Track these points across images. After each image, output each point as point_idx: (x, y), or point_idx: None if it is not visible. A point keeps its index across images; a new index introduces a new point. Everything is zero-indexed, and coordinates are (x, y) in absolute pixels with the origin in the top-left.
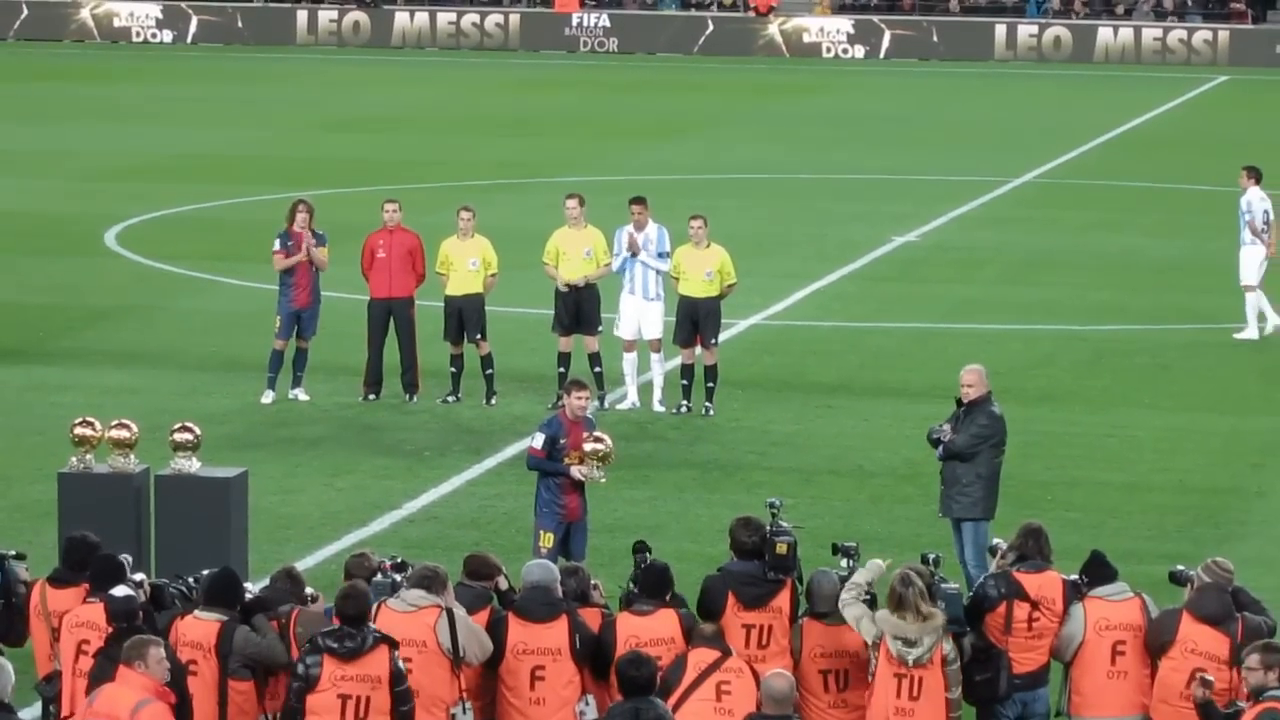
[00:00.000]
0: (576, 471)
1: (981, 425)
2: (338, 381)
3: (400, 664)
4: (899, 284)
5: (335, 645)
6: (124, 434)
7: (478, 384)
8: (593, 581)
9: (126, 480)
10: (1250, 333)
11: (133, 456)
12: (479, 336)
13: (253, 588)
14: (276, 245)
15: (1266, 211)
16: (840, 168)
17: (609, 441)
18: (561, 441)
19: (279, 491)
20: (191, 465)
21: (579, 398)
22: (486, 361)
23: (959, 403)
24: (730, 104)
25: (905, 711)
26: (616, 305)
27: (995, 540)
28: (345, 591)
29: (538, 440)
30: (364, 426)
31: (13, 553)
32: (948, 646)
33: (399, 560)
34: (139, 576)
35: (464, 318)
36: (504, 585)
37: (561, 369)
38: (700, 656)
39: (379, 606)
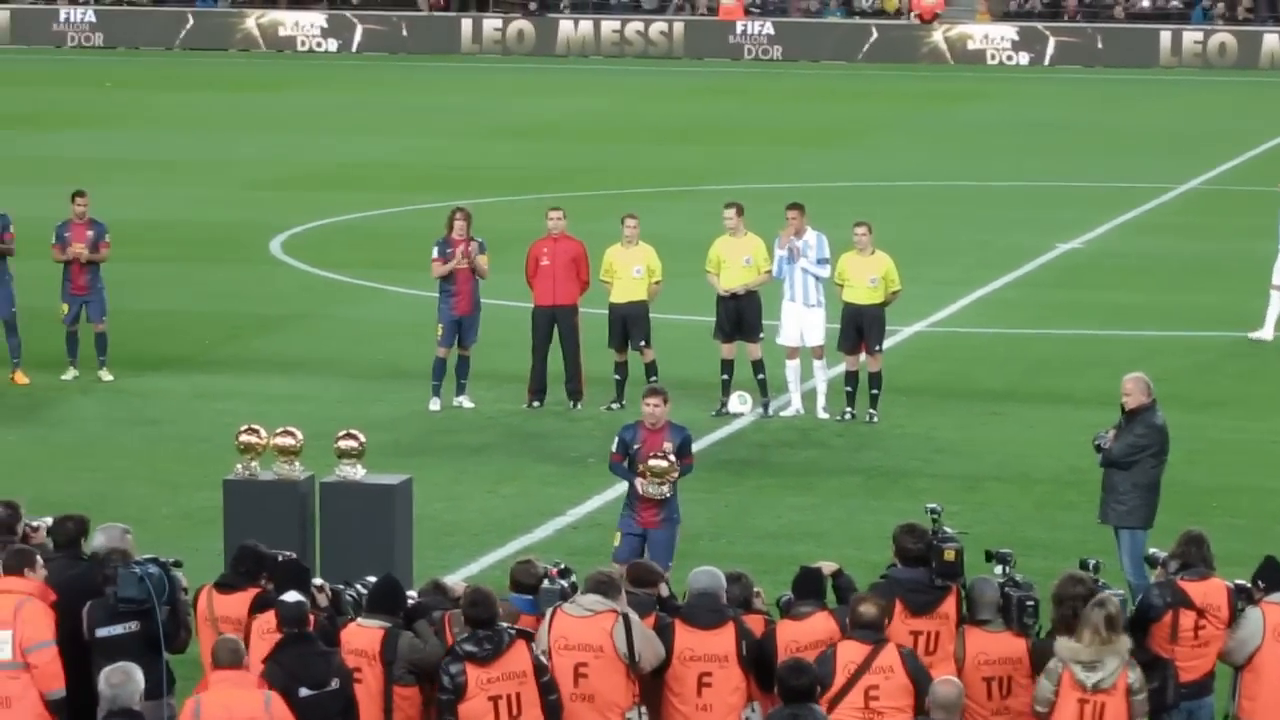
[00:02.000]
0: (638, 484)
1: (1139, 435)
2: (502, 389)
3: (540, 656)
4: (1063, 290)
5: (475, 650)
6: (289, 441)
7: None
8: (755, 589)
9: (291, 487)
10: (1266, 333)
11: (298, 463)
12: (643, 343)
13: (415, 595)
14: (435, 253)
15: None
16: (1004, 175)
17: (671, 459)
18: (635, 448)
19: (443, 499)
20: (356, 472)
21: (649, 404)
22: (651, 369)
23: (1123, 410)
24: (894, 111)
25: None
26: (778, 313)
27: (1153, 550)
28: (472, 598)
29: (615, 444)
30: (528, 434)
31: (172, 560)
32: (1133, 675)
33: (564, 566)
34: (319, 581)
35: (628, 325)
36: (665, 592)
37: (725, 376)
38: (850, 653)
39: (554, 612)
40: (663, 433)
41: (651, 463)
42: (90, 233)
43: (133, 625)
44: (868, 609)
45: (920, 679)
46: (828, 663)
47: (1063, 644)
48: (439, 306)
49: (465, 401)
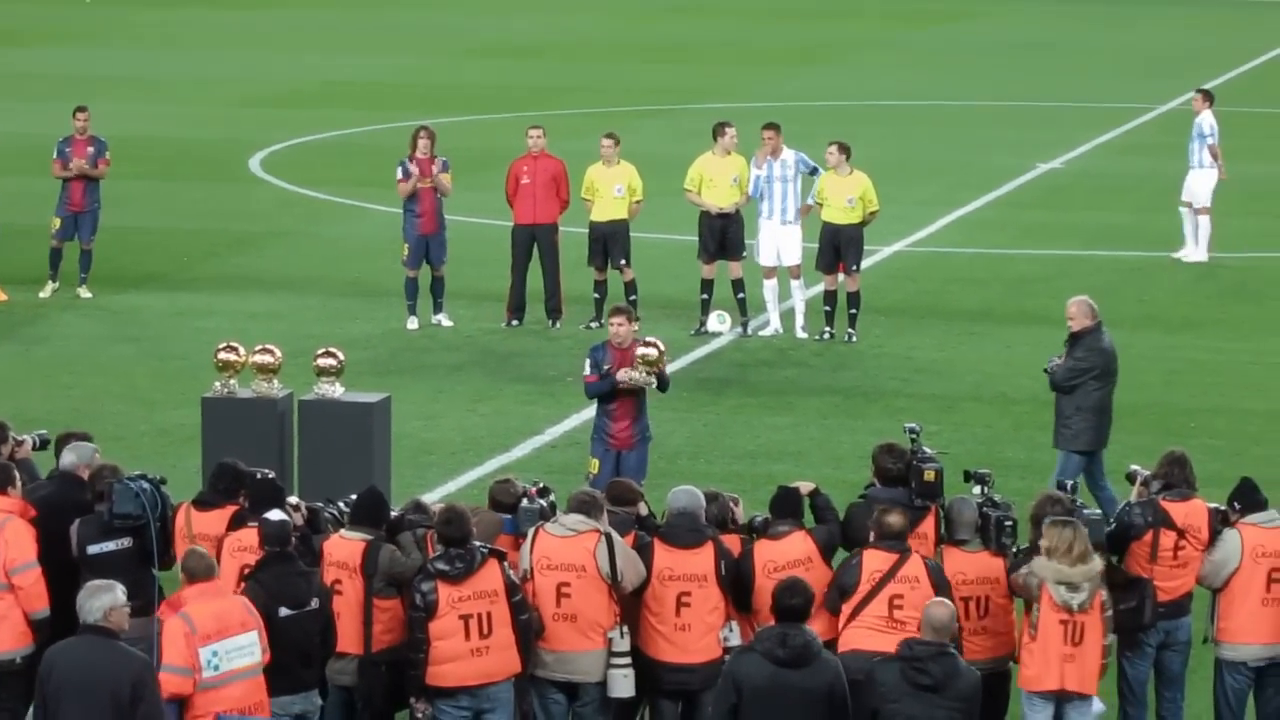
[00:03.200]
0: (622, 374)
1: (1079, 358)
2: (481, 308)
3: (512, 574)
4: (1043, 211)
5: (446, 568)
6: (268, 359)
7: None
8: (734, 497)
9: (270, 405)
10: (1199, 254)
11: (276, 382)
12: (623, 262)
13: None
14: (399, 173)
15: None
16: (986, 94)
17: (661, 346)
18: (605, 368)
19: (422, 417)
20: (335, 390)
21: (614, 324)
22: (630, 288)
23: (1069, 334)
24: (878, 30)
25: (1070, 658)
26: (756, 231)
27: (1134, 467)
28: (445, 516)
29: (586, 367)
30: (506, 352)
31: (158, 477)
32: (1105, 594)
33: (542, 485)
34: (294, 500)
35: (608, 244)
36: (644, 511)
37: (704, 295)
38: (876, 561)
39: (537, 532)
40: (631, 351)
41: (641, 351)
42: (90, 148)
43: (125, 541)
44: (894, 519)
45: (945, 591)
46: (853, 571)
47: (1044, 564)
48: (404, 226)
49: (444, 319)
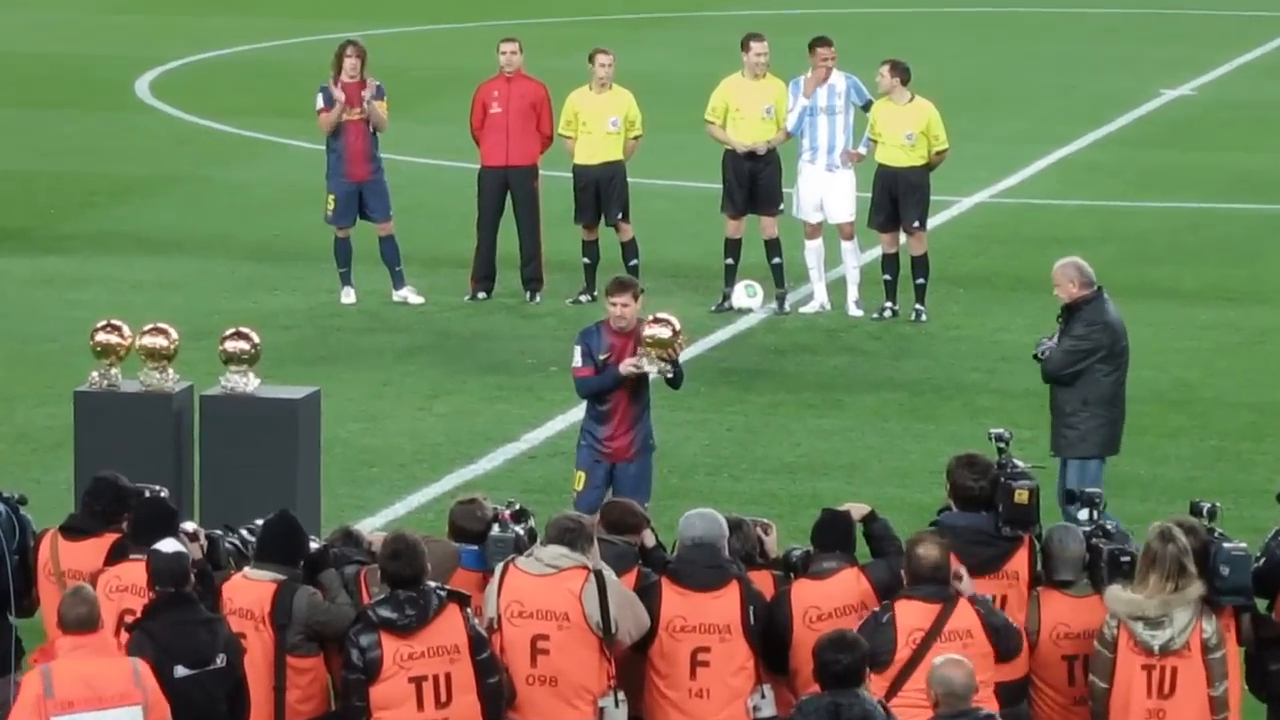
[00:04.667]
0: (627, 363)
1: (1078, 336)
2: (437, 276)
3: (478, 625)
4: (1168, 151)
5: (393, 616)
6: (160, 341)
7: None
8: (765, 522)
9: (163, 402)
10: None
11: (171, 371)
12: (620, 217)
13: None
14: (320, 102)
15: None
16: (1095, 0)
17: (676, 324)
18: (602, 357)
19: (361, 418)
20: (248, 383)
21: (616, 303)
22: (629, 250)
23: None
24: None
25: (1156, 714)
26: (795, 178)
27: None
28: (392, 548)
29: (576, 356)
30: (471, 334)
31: (16, 495)
32: (1209, 628)
33: (519, 507)
34: (191, 526)
35: (601, 193)
36: (650, 541)
37: (729, 260)
38: (913, 616)
39: (506, 567)
40: (632, 335)
41: (649, 330)
42: None
43: None
44: (928, 552)
45: (1006, 639)
46: (885, 631)
47: (1117, 595)
48: (328, 172)
49: (410, 295)
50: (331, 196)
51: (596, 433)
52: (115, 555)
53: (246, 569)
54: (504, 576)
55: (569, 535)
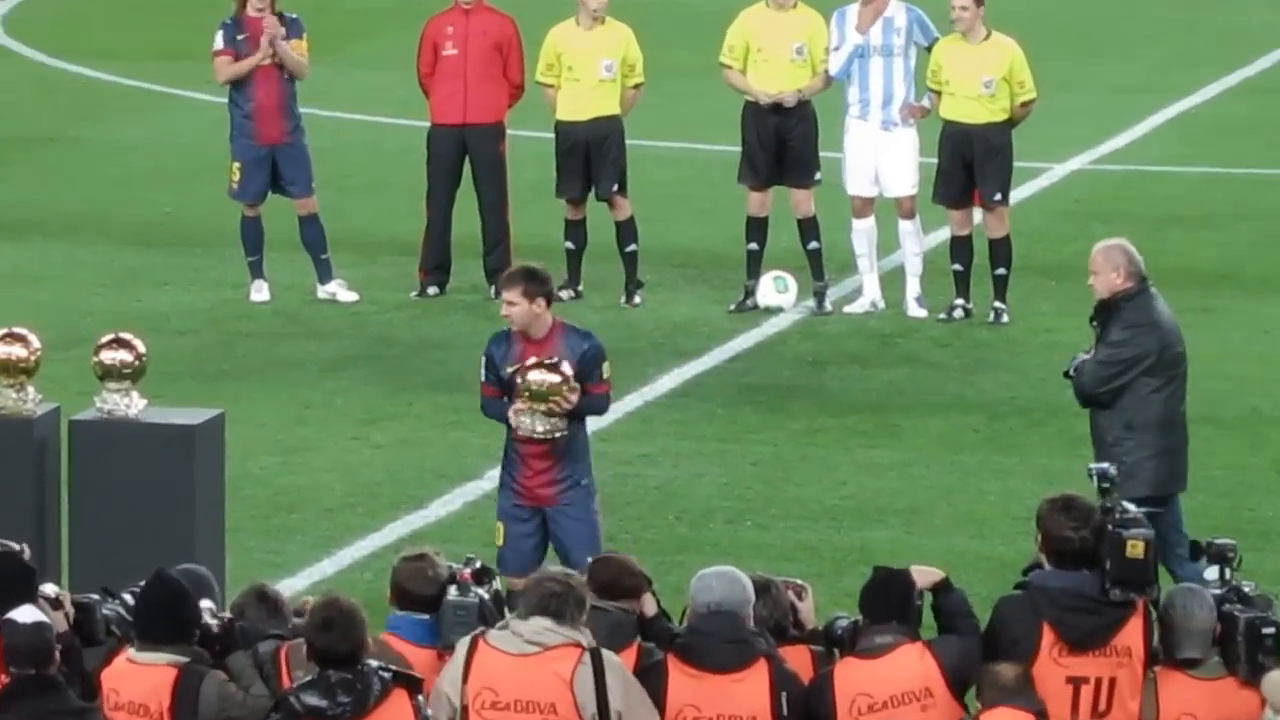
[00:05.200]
0: (511, 416)
1: (1115, 343)
2: (375, 266)
3: (428, 713)
4: None
5: (323, 704)
6: (16, 351)
7: (610, 269)
8: (799, 584)
9: (20, 429)
10: None
11: (30, 390)
12: (614, 190)
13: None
14: (219, 42)
15: None
16: None
17: (564, 370)
18: (509, 371)
19: (277, 450)
20: (130, 404)
21: (507, 300)
22: (625, 232)
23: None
24: None
25: None
26: (840, 140)
27: None
28: (321, 616)
29: (482, 369)
30: (420, 342)
31: None
32: None
33: (479, 564)
34: (52, 590)
35: (590, 158)
36: (651, 608)
37: (752, 244)
38: None
39: (474, 644)
40: (550, 343)
41: (531, 376)
42: None
43: None
44: (1006, 672)
45: None
46: None
47: (1273, 681)
48: (231, 133)
49: (339, 291)
50: (236, 164)
51: (512, 471)
52: None
53: (131, 651)
54: (471, 655)
55: (555, 603)
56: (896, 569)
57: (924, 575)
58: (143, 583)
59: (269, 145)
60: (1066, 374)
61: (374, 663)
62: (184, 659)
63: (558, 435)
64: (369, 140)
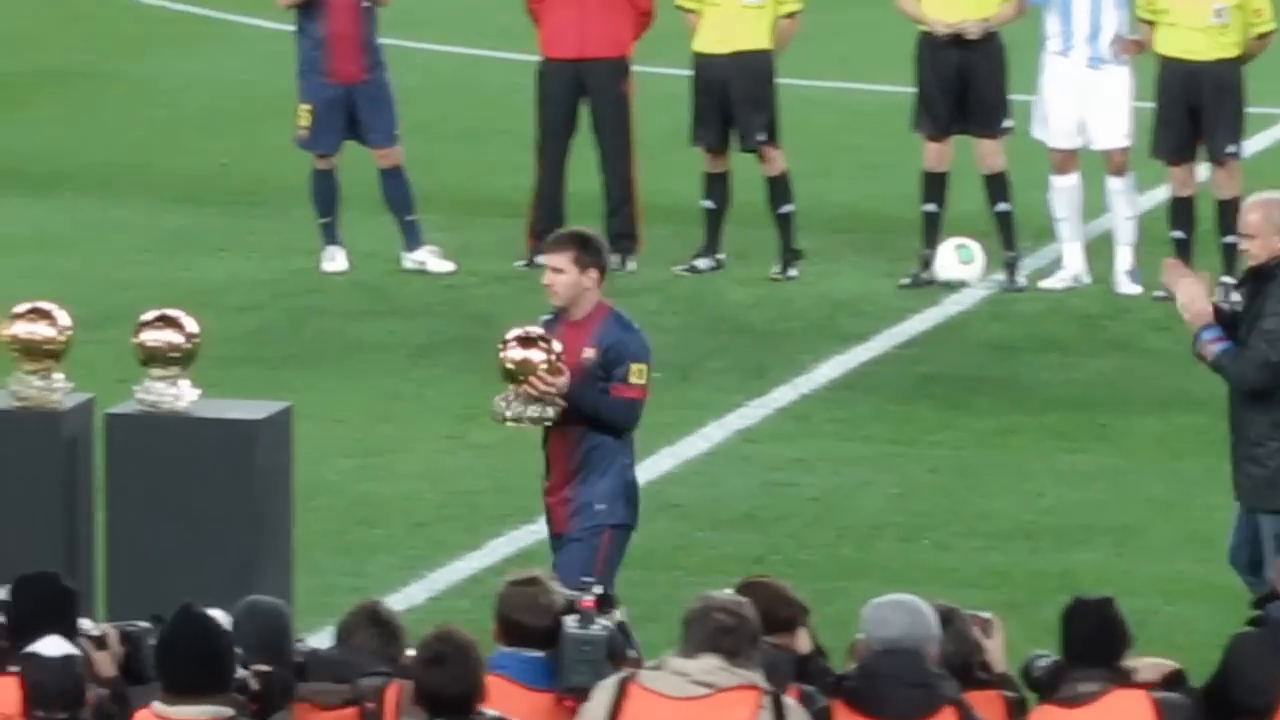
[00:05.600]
0: (497, 402)
1: (1277, 316)
2: (475, 228)
3: None
4: None
5: None
6: (42, 330)
7: (759, 235)
8: (984, 617)
9: (48, 423)
10: None
11: (58, 377)
12: (763, 139)
13: (307, 644)
14: None
15: None
16: None
17: (551, 347)
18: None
19: (357, 451)
20: (179, 395)
21: (553, 266)
22: (778, 189)
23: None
24: None
25: None
26: (1035, 81)
27: None
28: (435, 649)
29: None
30: (525, 320)
31: None
32: None
33: (603, 591)
34: (94, 627)
35: (733, 99)
36: (807, 644)
37: (930, 205)
38: None
39: (623, 687)
40: (588, 329)
41: (508, 351)
42: None
43: None
44: None
45: None
46: None
47: None
48: (300, 69)
49: (430, 259)
50: (305, 107)
51: (545, 491)
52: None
53: (158, 705)
54: (621, 702)
55: (729, 639)
56: (1103, 597)
57: (1153, 669)
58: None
59: (344, 84)
60: (1212, 359)
61: (491, 712)
62: (227, 712)
63: (548, 418)
64: (466, 78)
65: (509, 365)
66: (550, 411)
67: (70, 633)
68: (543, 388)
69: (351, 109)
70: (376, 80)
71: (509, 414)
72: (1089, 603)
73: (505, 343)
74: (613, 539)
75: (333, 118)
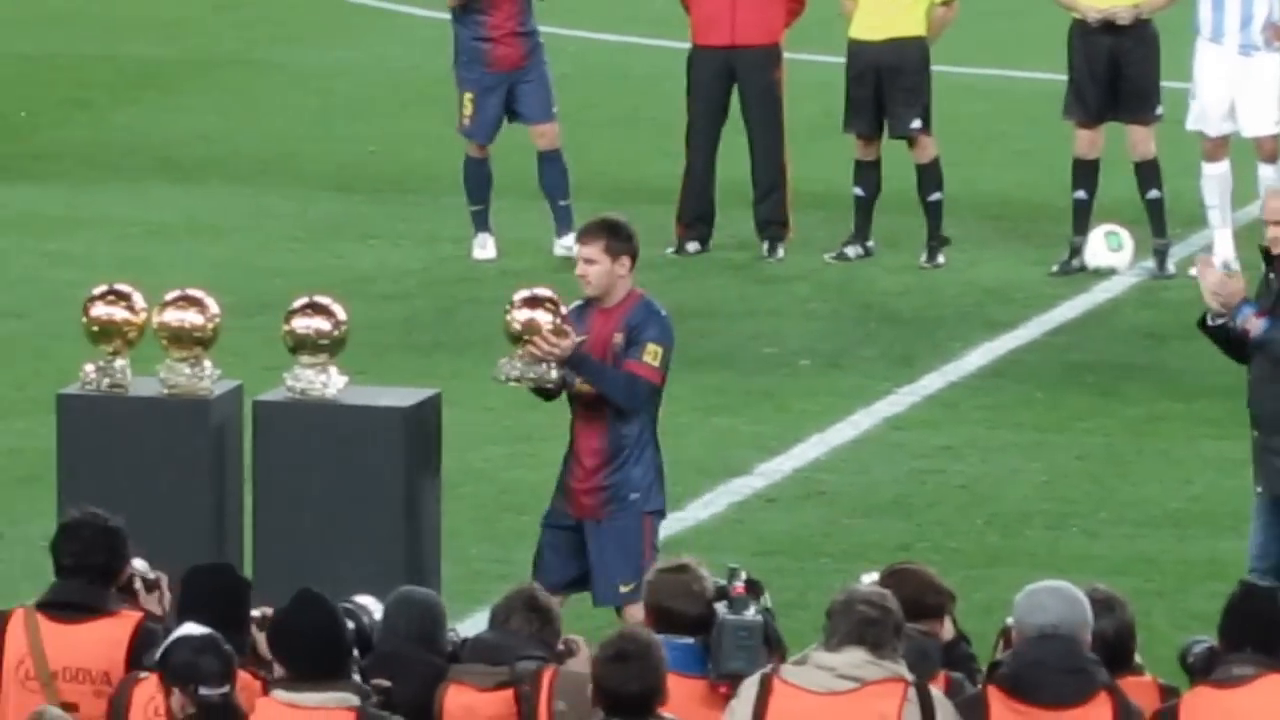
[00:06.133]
0: (502, 366)
1: None
2: (626, 216)
3: None
4: None
5: None
6: (191, 318)
7: (909, 222)
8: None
9: (197, 410)
10: None
11: (208, 364)
12: (917, 126)
13: (460, 632)
14: None
15: None
16: None
17: (557, 310)
18: (581, 342)
19: (506, 438)
20: (328, 382)
21: (584, 257)
22: (928, 177)
23: (1266, 258)
24: None
25: None
26: (1188, 66)
27: None
28: (617, 647)
29: None
30: (676, 309)
31: None
32: None
33: (747, 577)
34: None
35: (884, 87)
36: (950, 631)
37: (1080, 192)
38: None
39: (767, 682)
40: (619, 315)
41: (514, 314)
42: None
43: None
44: None
45: None
46: None
47: None
48: (461, 58)
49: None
50: (469, 95)
51: (565, 472)
52: (139, 644)
53: (278, 692)
54: (766, 698)
55: (874, 630)
56: (1264, 584)
57: None
58: (363, 599)
59: (506, 71)
60: (1203, 323)
61: (669, 716)
62: (353, 700)
63: (550, 380)
64: (616, 65)
65: (515, 326)
66: (554, 373)
67: (236, 628)
68: (546, 348)
69: (510, 95)
70: (535, 64)
71: (511, 374)
72: (1255, 589)
73: (513, 304)
74: (652, 525)
75: (493, 106)
